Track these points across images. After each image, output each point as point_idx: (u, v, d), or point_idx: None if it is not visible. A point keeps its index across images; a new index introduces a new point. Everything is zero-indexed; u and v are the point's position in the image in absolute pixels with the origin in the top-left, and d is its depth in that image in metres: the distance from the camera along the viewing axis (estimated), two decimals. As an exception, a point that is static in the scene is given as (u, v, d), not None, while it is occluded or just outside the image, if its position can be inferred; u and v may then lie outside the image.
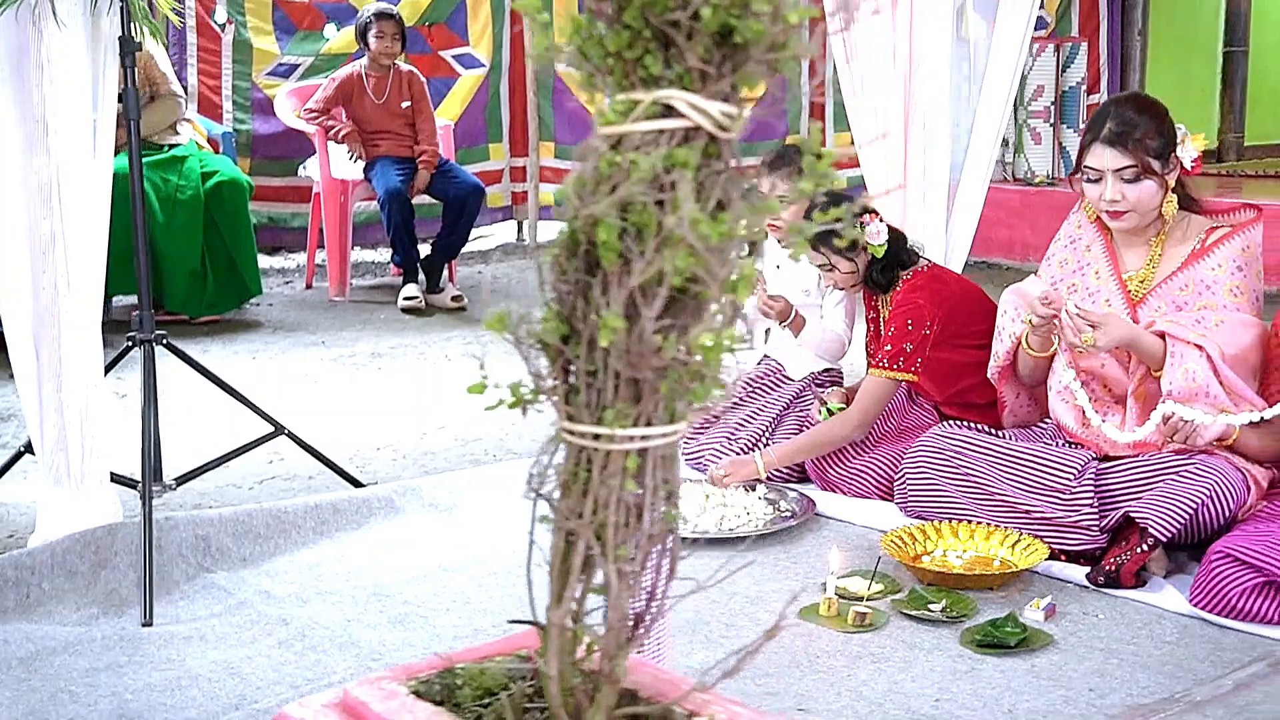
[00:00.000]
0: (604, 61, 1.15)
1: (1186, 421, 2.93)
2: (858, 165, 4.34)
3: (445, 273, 6.46)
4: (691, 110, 1.10)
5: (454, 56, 7.53)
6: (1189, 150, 3.08)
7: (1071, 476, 3.07)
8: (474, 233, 6.89)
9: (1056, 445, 3.24)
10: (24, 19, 2.90)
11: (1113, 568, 2.92)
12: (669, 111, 1.13)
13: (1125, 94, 3.81)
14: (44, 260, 3.00)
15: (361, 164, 6.38)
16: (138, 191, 3.32)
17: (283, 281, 6.90)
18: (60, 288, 3.01)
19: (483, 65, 7.62)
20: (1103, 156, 3.07)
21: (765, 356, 4.09)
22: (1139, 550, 2.91)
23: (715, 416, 3.93)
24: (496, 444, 4.22)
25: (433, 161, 6.37)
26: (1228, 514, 2.91)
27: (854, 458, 3.60)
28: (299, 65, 7.14)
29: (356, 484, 3.68)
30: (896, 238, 3.66)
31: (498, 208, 7.85)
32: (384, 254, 7.27)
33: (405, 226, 6.22)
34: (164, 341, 3.38)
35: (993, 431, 3.35)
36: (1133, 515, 2.94)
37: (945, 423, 3.46)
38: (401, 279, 6.43)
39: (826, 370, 4.00)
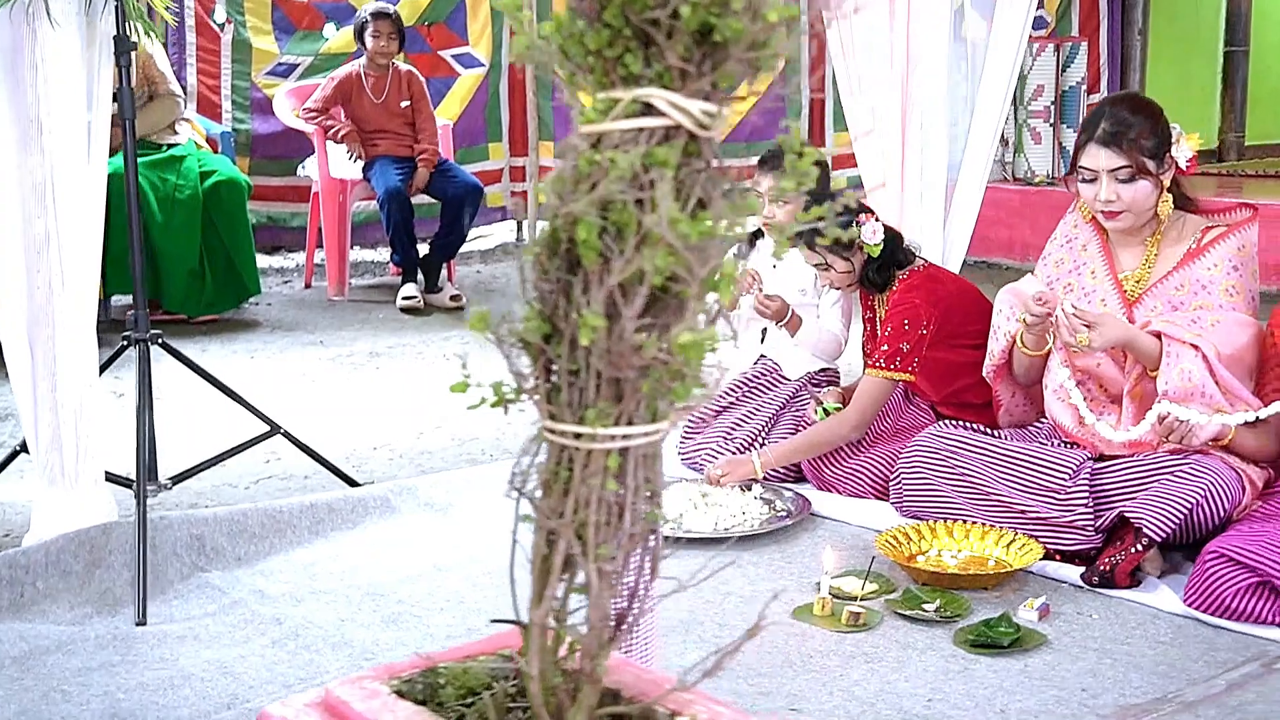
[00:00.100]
0: (585, 60, 1.14)
1: (1182, 421, 2.93)
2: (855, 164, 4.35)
3: (444, 272, 6.46)
4: (671, 109, 1.10)
5: (453, 56, 7.53)
6: (1184, 150, 3.08)
7: (1067, 476, 3.07)
8: (473, 232, 6.89)
9: (1052, 445, 3.23)
10: (18, 18, 2.90)
11: (1107, 568, 2.92)
12: (649, 110, 1.12)
13: (1120, 94, 3.82)
14: (39, 259, 3.00)
15: (360, 164, 6.38)
16: (133, 191, 3.32)
17: (282, 281, 6.90)
18: (55, 287, 3.01)
19: (482, 65, 7.62)
20: (1097, 157, 3.07)
21: (762, 356, 4.09)
22: (1133, 550, 2.91)
23: (712, 416, 3.93)
24: (493, 443, 4.22)
25: (432, 160, 6.37)
26: (1223, 514, 2.90)
27: (850, 457, 3.60)
28: (298, 65, 7.15)
29: (352, 483, 3.68)
30: (893, 237, 3.65)
31: (497, 207, 7.85)
32: (383, 253, 7.27)
33: (405, 226, 6.23)
34: (159, 341, 3.39)
35: (988, 431, 3.35)
36: (1127, 515, 2.94)
37: (941, 422, 3.46)
38: (400, 279, 6.43)
39: (823, 370, 4.00)
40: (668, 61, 1.11)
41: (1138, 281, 3.18)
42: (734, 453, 3.70)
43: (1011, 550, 3.06)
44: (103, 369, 3.23)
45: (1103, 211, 3.12)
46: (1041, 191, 7.60)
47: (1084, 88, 8.11)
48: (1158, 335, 3.01)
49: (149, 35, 3.25)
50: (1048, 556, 3.04)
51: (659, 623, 2.71)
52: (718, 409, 3.94)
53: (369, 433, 4.33)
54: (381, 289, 6.74)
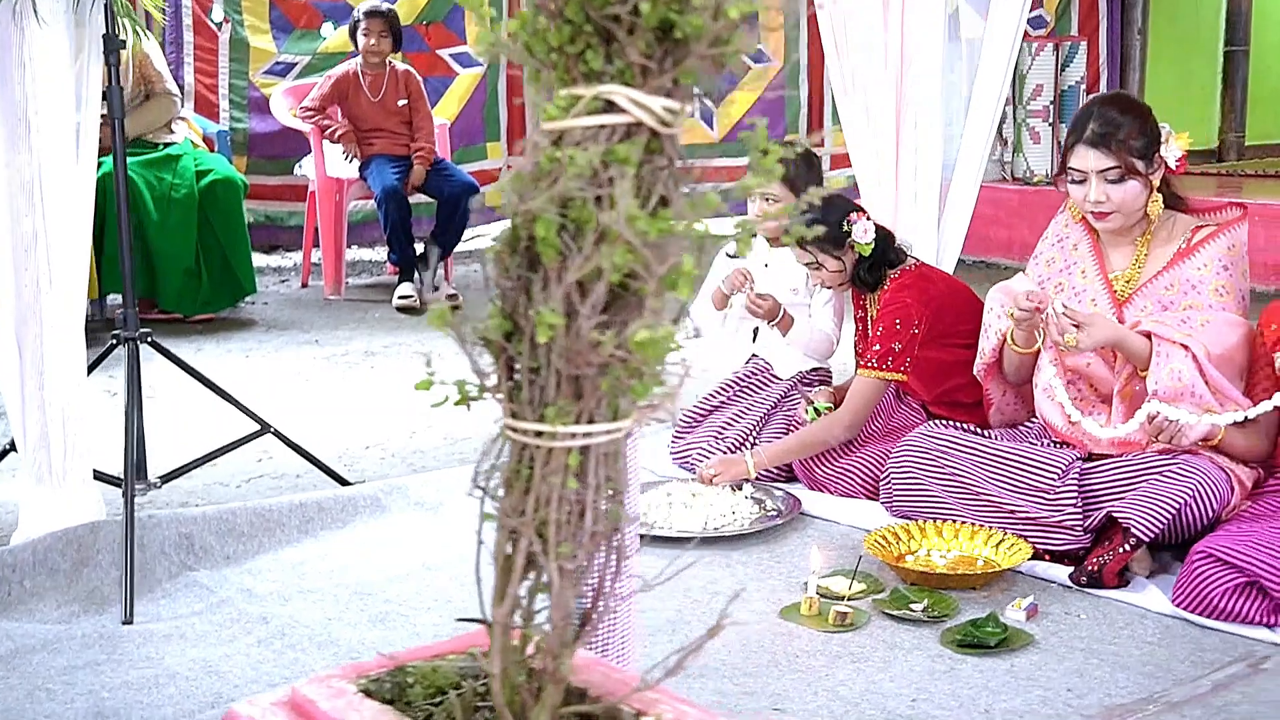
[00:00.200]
0: (547, 56, 1.14)
1: (1172, 421, 2.92)
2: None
3: (441, 271, 6.46)
4: (632, 105, 1.10)
5: (451, 55, 7.53)
6: (1173, 149, 3.07)
7: (1055, 476, 3.06)
8: (471, 232, 6.88)
9: (1042, 445, 3.23)
10: (5, 17, 2.89)
11: (1095, 568, 2.91)
12: (611, 107, 1.12)
13: (1108, 94, 3.81)
14: (26, 258, 3.00)
15: (357, 164, 6.38)
16: (122, 190, 3.32)
17: (279, 280, 6.90)
18: (42, 285, 3.01)
19: (480, 64, 7.61)
20: (1086, 158, 3.07)
21: (753, 355, 4.08)
22: (1122, 550, 2.90)
23: (703, 415, 3.92)
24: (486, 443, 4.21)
25: (428, 157, 6.37)
26: (1211, 514, 2.90)
27: (841, 457, 3.60)
28: (296, 64, 7.15)
29: (343, 482, 3.68)
30: (884, 236, 3.65)
31: (495, 206, 7.84)
32: (380, 253, 7.27)
33: (402, 224, 6.23)
34: (149, 340, 3.38)
35: (978, 431, 3.34)
36: (1116, 515, 2.93)
37: (931, 422, 3.45)
38: (397, 278, 6.43)
39: (815, 369, 3.99)
40: (629, 58, 1.11)
41: (1128, 281, 3.18)
42: (725, 452, 3.69)
43: (1000, 550, 3.05)
44: (93, 368, 3.23)
45: (1092, 212, 3.12)
46: (1040, 191, 7.59)
47: (1083, 87, 8.09)
48: (1148, 335, 3.00)
49: (139, 33, 3.25)
50: (1036, 556, 3.04)
51: (645, 622, 2.71)
52: (709, 408, 3.93)
53: (361, 432, 4.33)
54: (378, 288, 6.74)
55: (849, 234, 3.57)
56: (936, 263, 4.05)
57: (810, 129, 8.53)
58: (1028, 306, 3.09)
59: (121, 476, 3.12)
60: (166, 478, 3.47)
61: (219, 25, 6.91)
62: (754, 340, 4.12)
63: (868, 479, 3.53)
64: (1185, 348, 2.95)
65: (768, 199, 3.86)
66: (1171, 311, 3.07)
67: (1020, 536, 3.05)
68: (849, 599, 2.88)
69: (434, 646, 1.40)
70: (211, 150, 6.16)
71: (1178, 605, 2.76)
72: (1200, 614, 2.72)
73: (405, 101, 6.45)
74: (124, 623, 2.82)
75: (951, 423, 3.40)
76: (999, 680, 2.52)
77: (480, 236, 7.97)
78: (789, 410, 3.82)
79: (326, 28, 7.19)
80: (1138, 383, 3.04)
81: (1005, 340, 3.29)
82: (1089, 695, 2.46)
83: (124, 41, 3.20)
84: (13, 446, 3.20)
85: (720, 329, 4.09)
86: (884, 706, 2.43)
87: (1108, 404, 3.14)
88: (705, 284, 4.03)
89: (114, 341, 3.37)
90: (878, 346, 3.56)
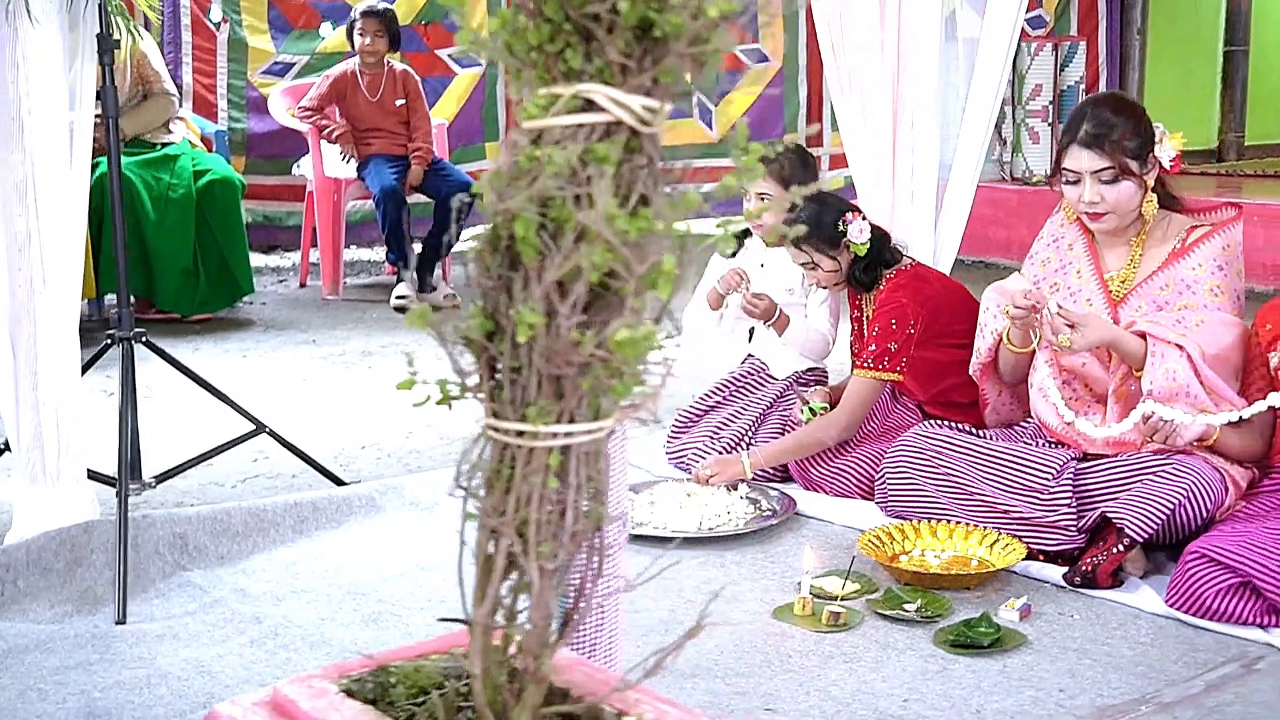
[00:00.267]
0: (527, 55, 1.14)
1: (1166, 421, 2.91)
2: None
3: (439, 271, 6.46)
4: (611, 104, 1.10)
5: (450, 55, 7.53)
6: (1167, 149, 3.07)
7: (1050, 476, 3.06)
8: (469, 232, 6.87)
9: (1037, 445, 3.22)
10: (-2, 17, 2.90)
11: (1089, 568, 2.91)
12: (591, 106, 1.12)
13: (1102, 94, 3.80)
14: (20, 258, 3.00)
15: (354, 163, 6.38)
16: (116, 190, 3.32)
17: (277, 280, 6.90)
18: (36, 285, 3.01)
19: (479, 64, 7.60)
20: (1080, 159, 3.06)
21: (749, 355, 4.08)
22: (1116, 550, 2.90)
23: (699, 415, 3.92)
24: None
25: (426, 157, 6.37)
26: (1205, 514, 2.89)
27: (836, 457, 3.59)
28: (294, 64, 7.15)
29: (339, 482, 3.67)
30: (880, 236, 3.64)
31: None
32: (378, 252, 7.27)
33: (400, 224, 6.23)
34: (143, 339, 3.38)
35: (973, 431, 3.34)
36: (1110, 515, 2.93)
37: (926, 422, 3.45)
38: (396, 278, 6.42)
39: (811, 369, 3.99)
40: (608, 57, 1.10)
41: (1123, 281, 3.17)
42: (721, 452, 3.69)
43: (994, 550, 3.05)
44: (88, 367, 3.23)
45: (1087, 213, 3.11)
46: (1039, 191, 7.58)
47: (1082, 87, 8.09)
48: (1143, 335, 3.00)
49: (135, 33, 3.24)
50: (1031, 556, 3.03)
51: (638, 622, 2.71)
52: (705, 408, 3.93)
53: (358, 432, 4.32)
54: (376, 288, 6.74)
55: (844, 234, 3.57)
56: (934, 263, 4.05)
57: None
58: (1024, 305, 3.09)
59: (116, 476, 3.12)
60: (161, 477, 3.47)
61: (217, 25, 6.92)
62: (750, 340, 4.12)
63: (863, 479, 3.52)
64: (1180, 348, 2.95)
65: (762, 197, 3.85)
66: (1166, 312, 3.06)
67: (1014, 536, 3.05)
68: (842, 599, 2.88)
69: (416, 646, 1.39)
70: (209, 150, 6.16)
71: (1171, 605, 2.76)
72: (1194, 614, 2.72)
73: (403, 101, 6.45)
74: (117, 623, 2.82)
75: (947, 423, 3.40)
76: (991, 680, 2.52)
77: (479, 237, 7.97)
78: (785, 410, 3.81)
79: (325, 28, 7.19)
80: (1133, 383, 3.04)
81: (1001, 340, 3.29)
82: (1081, 696, 2.45)
83: (118, 41, 3.20)
84: (6, 446, 3.20)
85: (716, 329, 4.09)
86: (876, 707, 2.42)
87: (1103, 404, 3.14)
88: (701, 284, 4.03)
89: (108, 341, 3.37)
90: (873, 346, 3.55)
